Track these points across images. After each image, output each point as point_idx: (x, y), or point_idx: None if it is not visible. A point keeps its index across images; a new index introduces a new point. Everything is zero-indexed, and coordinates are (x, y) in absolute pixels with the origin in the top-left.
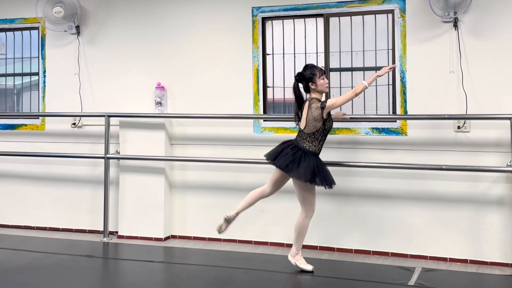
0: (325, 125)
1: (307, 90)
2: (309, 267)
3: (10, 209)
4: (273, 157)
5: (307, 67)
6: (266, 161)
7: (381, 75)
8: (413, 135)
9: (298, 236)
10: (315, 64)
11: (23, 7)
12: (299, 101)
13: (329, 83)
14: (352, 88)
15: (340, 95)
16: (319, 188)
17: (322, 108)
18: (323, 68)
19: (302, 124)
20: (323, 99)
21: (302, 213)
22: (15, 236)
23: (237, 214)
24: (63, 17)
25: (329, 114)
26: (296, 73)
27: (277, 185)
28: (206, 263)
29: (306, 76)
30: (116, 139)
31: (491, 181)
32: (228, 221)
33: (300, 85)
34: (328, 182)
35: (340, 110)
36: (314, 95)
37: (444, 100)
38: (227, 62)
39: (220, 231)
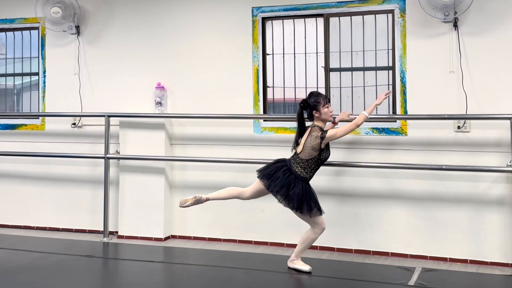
0: (321, 155)
1: (311, 117)
2: (306, 268)
3: (10, 209)
4: (267, 180)
5: (312, 94)
6: (266, 161)
7: (379, 103)
8: (413, 135)
9: (302, 248)
10: (320, 92)
11: (23, 7)
12: (301, 129)
13: (332, 111)
14: (352, 89)
15: (340, 95)
16: (318, 187)
17: (322, 138)
18: (327, 96)
19: (300, 147)
20: (326, 126)
21: (312, 229)
22: (15, 236)
23: (207, 199)
24: (61, 17)
25: (327, 145)
26: (300, 100)
27: (257, 195)
28: (206, 263)
29: (311, 104)
30: (116, 139)
31: (491, 181)
32: (198, 202)
33: (304, 112)
34: (312, 211)
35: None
36: (317, 123)
37: (444, 100)
38: (227, 62)
39: (181, 205)
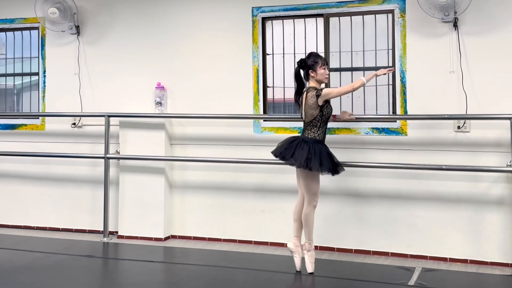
0: (323, 111)
1: (307, 77)
2: (310, 269)
3: (10, 209)
4: (275, 151)
5: (311, 54)
6: (266, 161)
7: (379, 75)
8: (413, 135)
9: (305, 227)
10: (319, 54)
11: (23, 7)
12: (299, 86)
13: (329, 75)
14: None
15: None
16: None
17: (317, 96)
18: (326, 59)
19: (303, 114)
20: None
21: (305, 203)
22: (15, 236)
23: (298, 239)
24: (58, 17)
25: (327, 101)
26: (299, 59)
27: (303, 183)
28: (206, 263)
29: (308, 63)
30: (116, 139)
31: (491, 181)
32: (294, 250)
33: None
34: (324, 168)
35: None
36: (312, 83)
37: (444, 100)
38: (227, 62)
39: (297, 268)
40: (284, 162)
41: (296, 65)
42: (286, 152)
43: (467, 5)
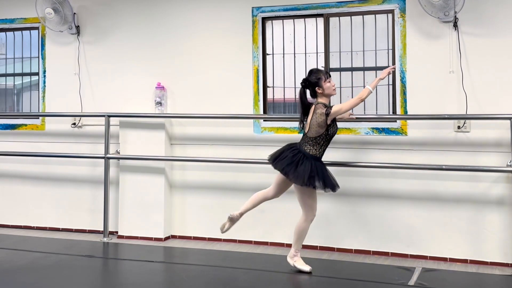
0: (328, 130)
1: (314, 95)
2: (306, 268)
3: (10, 209)
4: (274, 159)
5: (312, 71)
6: (266, 161)
7: (383, 78)
8: (413, 135)
9: (297, 239)
10: (319, 68)
11: (23, 7)
12: (305, 109)
13: (335, 86)
14: (352, 89)
15: (340, 96)
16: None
17: (327, 114)
18: (328, 71)
19: (306, 127)
20: (331, 102)
21: (302, 216)
22: (15, 236)
23: (241, 214)
24: (55, 18)
25: (333, 120)
26: (301, 79)
27: (279, 188)
28: (206, 263)
29: (312, 81)
30: (116, 139)
31: (491, 181)
32: (232, 220)
33: (307, 91)
34: (328, 185)
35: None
36: (321, 99)
37: (444, 100)
38: (227, 62)
39: (223, 230)
40: (283, 174)
41: (300, 87)
42: (289, 168)
43: (461, 6)
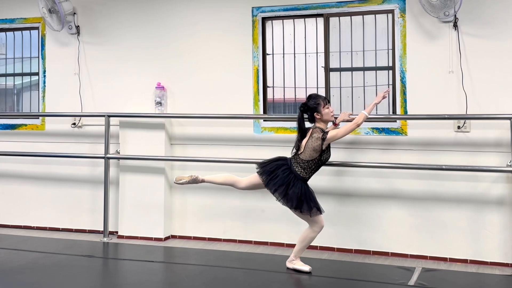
0: (322, 156)
1: (312, 120)
2: (306, 268)
3: (10, 209)
4: (266, 177)
5: (311, 97)
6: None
7: (378, 103)
8: (413, 135)
9: (301, 248)
10: (319, 94)
11: (23, 7)
12: (302, 133)
13: (333, 112)
14: (352, 89)
15: (340, 95)
16: (318, 187)
17: (323, 139)
18: (327, 97)
19: (301, 147)
20: (328, 126)
21: (309, 227)
22: (15, 236)
23: (202, 181)
24: (49, 18)
25: (328, 146)
26: (300, 104)
27: (252, 187)
28: (206, 263)
29: (311, 107)
30: (116, 139)
31: (491, 181)
32: (193, 181)
33: (305, 116)
34: (312, 210)
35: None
36: (319, 124)
37: (444, 100)
38: (227, 62)
39: (177, 181)
40: (274, 196)
41: (298, 111)
42: (280, 190)
43: (459, 5)
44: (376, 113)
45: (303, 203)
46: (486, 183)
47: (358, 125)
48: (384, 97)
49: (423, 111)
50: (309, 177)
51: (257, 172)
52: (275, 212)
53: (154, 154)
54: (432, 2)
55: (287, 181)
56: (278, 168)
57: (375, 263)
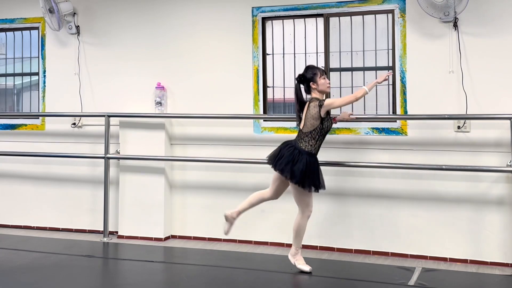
0: (323, 124)
1: (309, 90)
2: (306, 268)
3: (10, 209)
4: (273, 160)
5: (308, 68)
6: (266, 161)
7: (380, 82)
8: (413, 135)
9: (296, 236)
10: (316, 65)
11: (23, 7)
12: (301, 103)
13: (330, 83)
14: (352, 89)
15: (340, 95)
16: None
17: (320, 106)
18: (324, 69)
19: (302, 123)
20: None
21: (299, 213)
22: (15, 236)
23: (238, 214)
24: (47, 17)
25: (328, 114)
26: (297, 75)
27: (277, 189)
28: (206, 263)
29: (307, 77)
30: (116, 139)
31: (491, 181)
32: (228, 220)
33: (302, 87)
34: (316, 186)
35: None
36: (315, 95)
37: (444, 100)
38: (227, 62)
39: (225, 232)
40: (281, 174)
41: (295, 81)
42: (286, 168)
43: (465, 5)
44: (376, 113)
45: (306, 179)
46: (486, 183)
47: (357, 99)
48: (385, 79)
49: (423, 111)
50: (316, 150)
51: (267, 161)
52: (275, 212)
53: (154, 154)
54: (436, 2)
55: (292, 158)
56: (283, 148)
57: (375, 263)
